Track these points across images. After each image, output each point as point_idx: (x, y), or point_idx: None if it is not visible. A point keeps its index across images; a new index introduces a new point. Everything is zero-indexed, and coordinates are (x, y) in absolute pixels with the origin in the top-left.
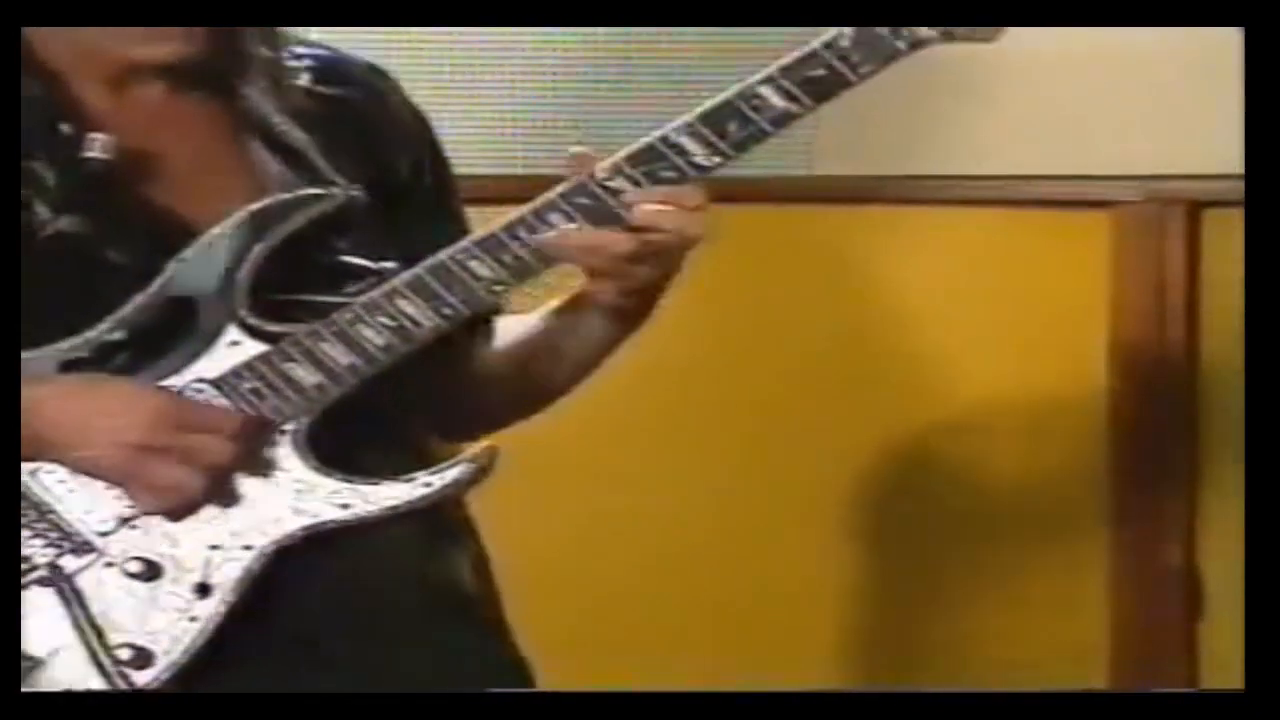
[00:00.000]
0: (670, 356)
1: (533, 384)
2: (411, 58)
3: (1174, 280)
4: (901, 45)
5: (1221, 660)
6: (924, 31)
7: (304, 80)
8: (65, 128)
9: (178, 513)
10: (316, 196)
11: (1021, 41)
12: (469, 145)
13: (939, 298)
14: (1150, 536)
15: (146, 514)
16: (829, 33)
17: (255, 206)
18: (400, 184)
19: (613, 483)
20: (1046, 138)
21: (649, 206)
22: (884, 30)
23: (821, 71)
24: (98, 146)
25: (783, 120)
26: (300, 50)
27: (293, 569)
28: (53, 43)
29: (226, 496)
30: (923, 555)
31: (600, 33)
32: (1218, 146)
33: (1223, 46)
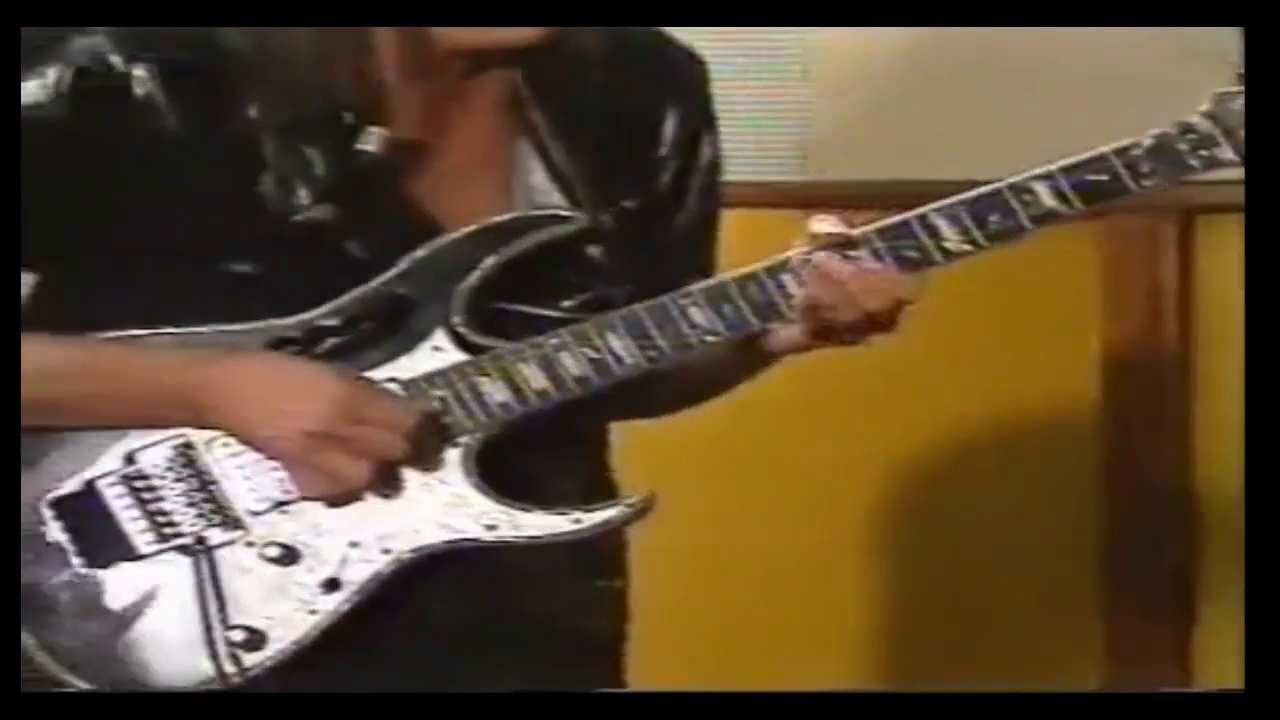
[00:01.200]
0: None
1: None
2: None
3: (1167, 287)
4: (1196, 164)
5: (1217, 660)
6: (1223, 153)
7: (597, 76)
8: (348, 116)
9: (339, 501)
10: (557, 218)
11: (1015, 46)
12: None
13: (932, 303)
14: (1144, 540)
15: (307, 499)
16: (1123, 140)
17: (494, 221)
18: (658, 201)
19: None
20: (1040, 142)
21: (875, 285)
22: (1183, 145)
23: (1104, 177)
24: (372, 140)
25: (1045, 220)
26: (611, 31)
27: (435, 576)
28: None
29: (386, 495)
30: (915, 557)
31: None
32: None
33: (1218, 49)
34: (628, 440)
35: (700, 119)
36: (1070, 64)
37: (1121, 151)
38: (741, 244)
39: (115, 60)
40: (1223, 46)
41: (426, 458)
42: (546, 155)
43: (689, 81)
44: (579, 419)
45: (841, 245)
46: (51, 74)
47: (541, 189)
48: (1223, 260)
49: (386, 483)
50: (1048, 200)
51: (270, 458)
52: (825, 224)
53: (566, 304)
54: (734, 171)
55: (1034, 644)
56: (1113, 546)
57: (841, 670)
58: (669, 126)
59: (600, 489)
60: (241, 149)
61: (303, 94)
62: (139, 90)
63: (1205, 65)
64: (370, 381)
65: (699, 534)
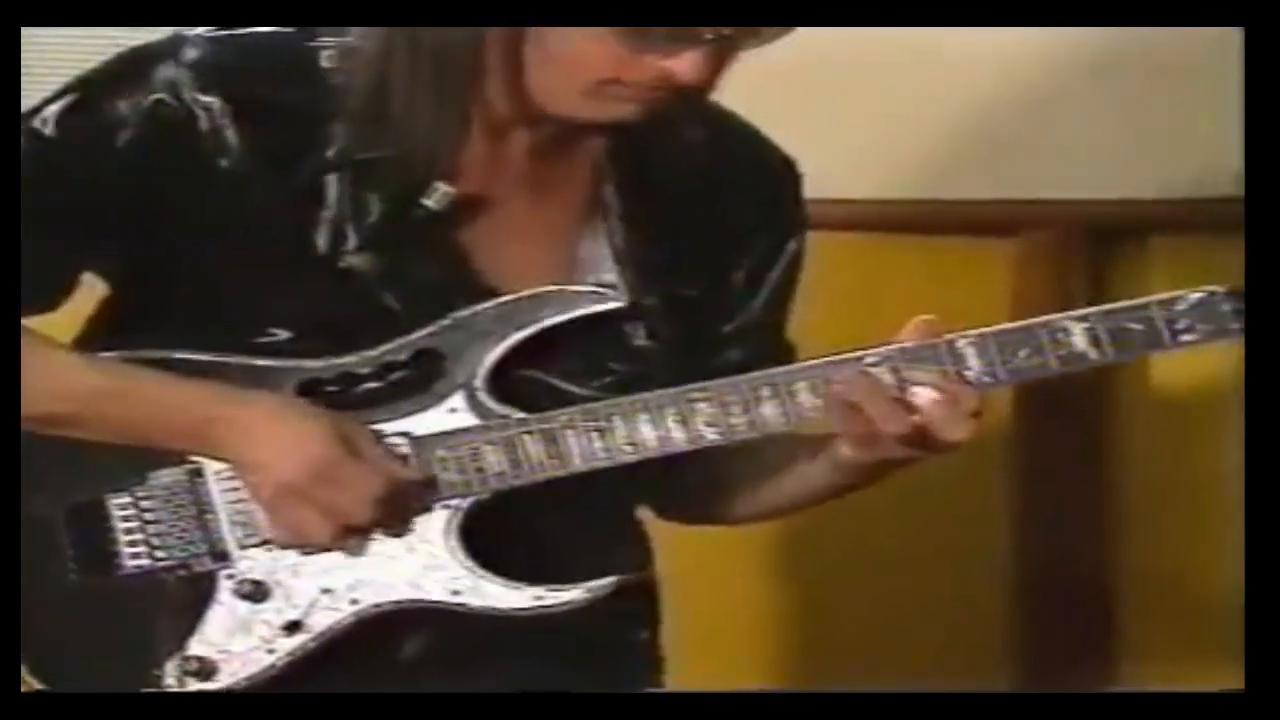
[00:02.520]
0: None
1: (749, 499)
2: None
3: (1078, 307)
4: (1236, 328)
5: (1135, 663)
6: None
7: (688, 168)
8: (422, 171)
9: (305, 550)
10: (597, 295)
11: (933, 67)
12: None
13: (845, 324)
14: (1057, 564)
15: (279, 544)
16: (1166, 294)
17: (534, 292)
18: (722, 299)
19: None
20: (954, 162)
21: (931, 395)
22: (1225, 307)
23: (1140, 327)
24: (436, 196)
25: (1073, 363)
26: (712, 127)
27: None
28: (502, 76)
29: (362, 547)
30: (838, 577)
31: None
32: (1124, 173)
33: (1134, 72)
34: None
35: (784, 230)
36: (980, 89)
37: (1165, 304)
38: None
39: (190, 93)
40: None
41: (397, 524)
42: (613, 234)
43: (782, 191)
44: (600, 491)
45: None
46: (136, 96)
47: (600, 266)
48: (1133, 279)
49: (355, 542)
50: (1080, 343)
51: (254, 500)
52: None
53: (600, 383)
54: None
55: (947, 646)
56: (1025, 551)
57: (758, 670)
58: (752, 233)
59: (612, 549)
60: (306, 188)
61: (386, 136)
62: (205, 124)
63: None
64: (365, 440)
65: None
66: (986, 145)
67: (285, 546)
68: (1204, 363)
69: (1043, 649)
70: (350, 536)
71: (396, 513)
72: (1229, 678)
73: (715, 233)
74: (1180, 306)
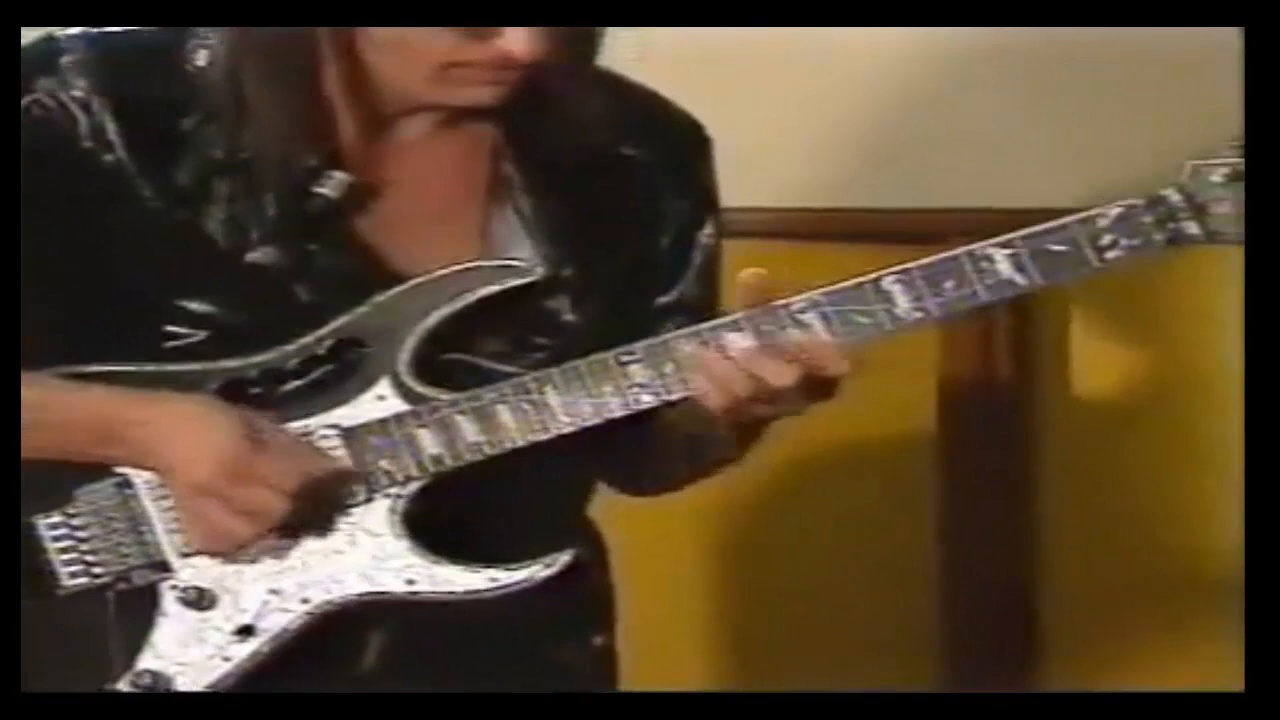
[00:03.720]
0: None
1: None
2: None
3: (1000, 312)
4: (1159, 238)
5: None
6: (1190, 229)
7: (592, 138)
8: (311, 160)
9: (225, 555)
10: (512, 269)
11: (863, 77)
12: None
13: None
14: (981, 561)
15: (198, 551)
16: (1089, 210)
17: (446, 270)
18: (648, 270)
19: None
20: (880, 171)
21: (788, 362)
22: (1148, 218)
23: (1064, 248)
24: (330, 185)
25: (1001, 289)
26: (613, 97)
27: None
28: (335, 71)
29: (289, 545)
30: (764, 575)
31: None
32: (1047, 181)
33: (1058, 77)
34: None
35: (702, 195)
36: (904, 98)
37: (1085, 222)
38: None
39: (67, 94)
40: None
41: (323, 517)
42: (520, 210)
43: (693, 155)
44: (548, 471)
45: (759, 287)
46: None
47: (512, 243)
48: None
49: (277, 540)
50: (1005, 268)
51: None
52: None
53: (527, 361)
54: None
55: (876, 650)
56: (951, 567)
57: (695, 668)
58: (669, 198)
59: (564, 542)
60: (195, 186)
61: (264, 135)
62: (85, 124)
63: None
64: (277, 433)
65: None
66: (912, 154)
67: (206, 552)
68: (1125, 374)
69: (968, 653)
70: (272, 534)
71: (320, 505)
72: (1148, 681)
73: (628, 200)
74: (1102, 222)
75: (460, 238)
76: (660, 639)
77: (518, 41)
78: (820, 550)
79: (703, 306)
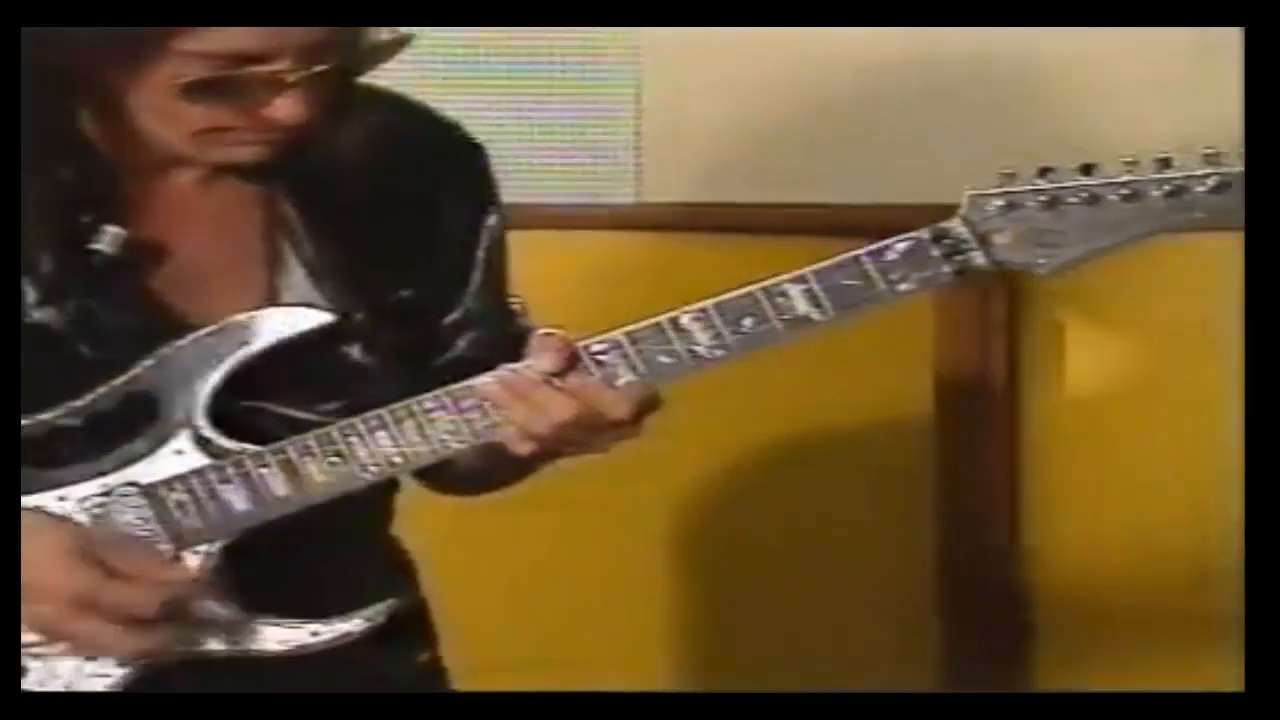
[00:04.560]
0: None
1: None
2: None
3: (996, 307)
4: (948, 270)
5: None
6: (976, 259)
7: (361, 168)
8: (85, 216)
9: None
10: (303, 315)
11: (842, 74)
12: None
13: None
14: (974, 554)
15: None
16: (876, 244)
17: (232, 320)
18: (433, 282)
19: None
20: (867, 165)
21: (574, 404)
22: (935, 251)
23: (856, 282)
24: (107, 240)
25: (799, 325)
26: (375, 120)
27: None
28: (107, 126)
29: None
30: (755, 571)
31: None
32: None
33: (1044, 69)
34: None
35: (479, 205)
36: (889, 93)
37: (875, 254)
38: (573, 265)
39: None
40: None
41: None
42: (303, 253)
43: (467, 166)
44: (353, 518)
45: (565, 370)
46: None
47: (300, 287)
48: (1048, 281)
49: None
50: (801, 304)
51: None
52: (548, 362)
53: (328, 406)
54: (565, 192)
55: (871, 648)
56: (946, 560)
57: (676, 670)
58: (446, 216)
59: (380, 585)
60: None
61: (34, 192)
62: None
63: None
64: (117, 554)
65: (531, 544)
66: (905, 151)
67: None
68: (1120, 367)
69: (962, 650)
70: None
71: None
72: (1136, 681)
73: (407, 225)
74: (890, 256)
75: (252, 286)
76: (645, 639)
77: (283, 109)
78: (813, 545)
79: (490, 317)
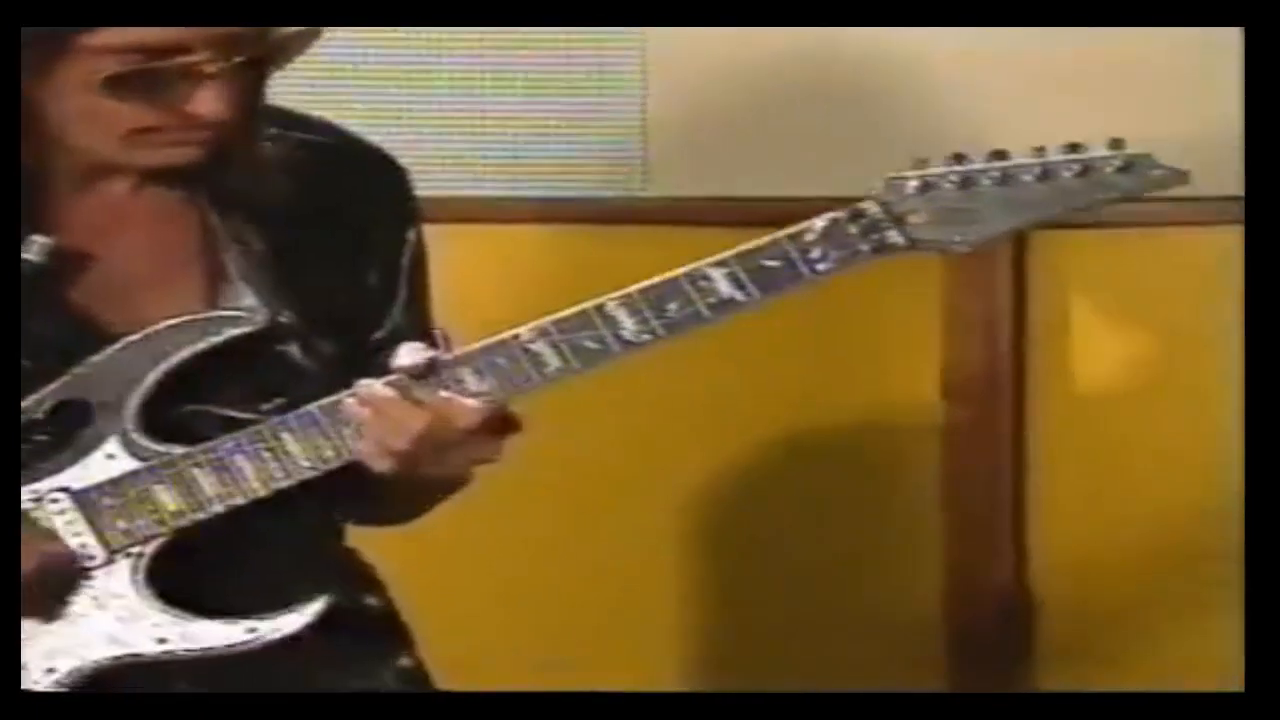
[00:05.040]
0: None
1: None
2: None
3: (1001, 300)
4: (865, 248)
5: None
6: (892, 237)
7: (284, 181)
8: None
9: None
10: (229, 319)
11: (850, 69)
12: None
13: (776, 318)
14: (981, 550)
15: None
16: (796, 225)
17: (164, 324)
18: (364, 304)
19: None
20: (876, 160)
21: (425, 414)
22: (853, 229)
23: (777, 263)
24: (34, 249)
25: (724, 308)
26: (297, 138)
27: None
28: (29, 136)
29: (46, 613)
30: (762, 568)
31: None
32: None
33: (1059, 61)
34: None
35: (401, 220)
36: (898, 87)
37: (794, 237)
38: (577, 260)
39: None
40: None
41: (51, 594)
42: (231, 259)
43: (387, 183)
44: (291, 514)
45: (423, 374)
46: None
47: (234, 292)
48: (1053, 276)
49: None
50: (724, 287)
51: None
52: (405, 357)
53: (269, 406)
54: (570, 187)
55: (879, 650)
56: (952, 555)
57: (689, 671)
58: (371, 228)
59: (319, 582)
60: None
61: None
62: None
63: None
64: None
65: (559, 543)
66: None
67: None
68: (1127, 360)
69: (967, 649)
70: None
71: (46, 588)
72: (1140, 681)
73: (331, 238)
74: (809, 236)
75: (186, 294)
76: (650, 639)
77: (205, 103)
78: (817, 544)
79: (416, 332)
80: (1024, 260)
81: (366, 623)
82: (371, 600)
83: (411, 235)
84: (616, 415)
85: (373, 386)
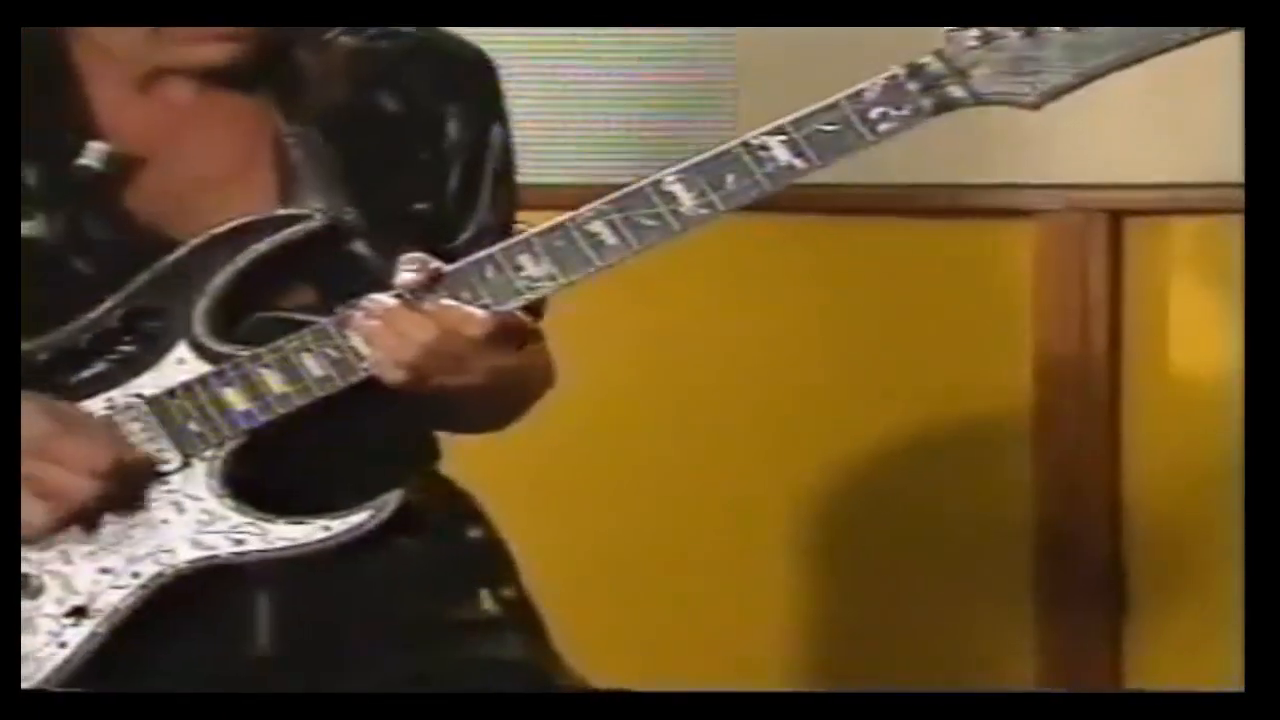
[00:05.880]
0: (613, 376)
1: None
2: None
3: (1096, 288)
4: (927, 105)
5: (1149, 656)
6: (955, 92)
7: (352, 84)
8: (69, 133)
9: (29, 539)
10: (293, 218)
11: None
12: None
13: (867, 309)
14: (1073, 540)
15: None
16: (854, 86)
17: (227, 226)
18: (445, 204)
19: (592, 497)
20: (972, 147)
21: (432, 324)
22: (913, 86)
23: (836, 126)
24: (93, 155)
25: (783, 176)
26: (369, 32)
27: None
28: (81, 43)
29: (128, 520)
30: (859, 560)
31: None
32: (1140, 156)
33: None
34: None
35: (484, 120)
36: None
37: (853, 98)
38: (688, 253)
39: None
40: None
41: (125, 501)
42: (304, 165)
43: (471, 81)
44: (370, 418)
45: (426, 287)
46: None
47: (301, 195)
48: (1149, 262)
49: (79, 523)
50: (783, 155)
51: None
52: (404, 273)
53: (340, 309)
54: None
55: (968, 641)
56: (1045, 543)
57: (790, 670)
58: (451, 129)
59: (387, 478)
60: None
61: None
62: None
63: None
64: (80, 415)
65: (659, 543)
66: (1004, 130)
67: None
68: (1220, 351)
69: (1059, 636)
70: (73, 517)
71: (125, 489)
72: (1229, 659)
73: (409, 140)
74: (869, 95)
75: (253, 197)
76: (746, 634)
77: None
78: (911, 535)
79: (501, 232)
80: (1118, 243)
81: (467, 551)
82: (475, 532)
83: (496, 134)
84: (717, 416)
85: (379, 298)
